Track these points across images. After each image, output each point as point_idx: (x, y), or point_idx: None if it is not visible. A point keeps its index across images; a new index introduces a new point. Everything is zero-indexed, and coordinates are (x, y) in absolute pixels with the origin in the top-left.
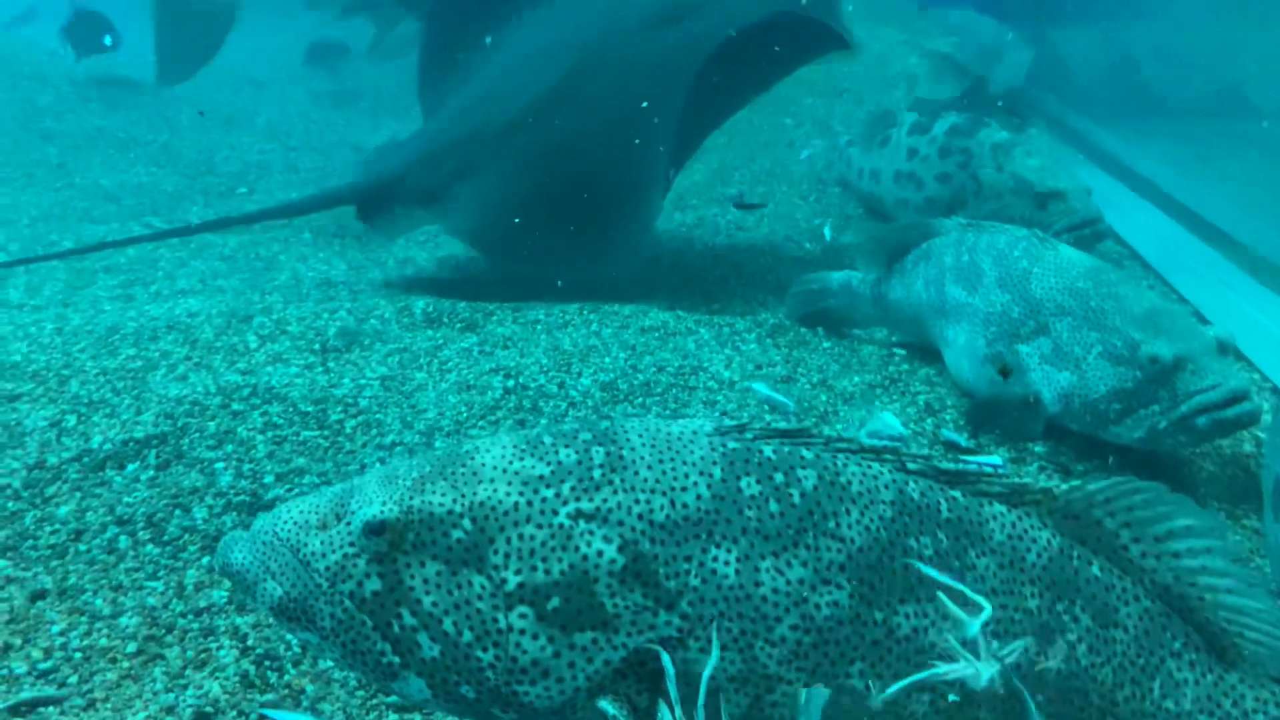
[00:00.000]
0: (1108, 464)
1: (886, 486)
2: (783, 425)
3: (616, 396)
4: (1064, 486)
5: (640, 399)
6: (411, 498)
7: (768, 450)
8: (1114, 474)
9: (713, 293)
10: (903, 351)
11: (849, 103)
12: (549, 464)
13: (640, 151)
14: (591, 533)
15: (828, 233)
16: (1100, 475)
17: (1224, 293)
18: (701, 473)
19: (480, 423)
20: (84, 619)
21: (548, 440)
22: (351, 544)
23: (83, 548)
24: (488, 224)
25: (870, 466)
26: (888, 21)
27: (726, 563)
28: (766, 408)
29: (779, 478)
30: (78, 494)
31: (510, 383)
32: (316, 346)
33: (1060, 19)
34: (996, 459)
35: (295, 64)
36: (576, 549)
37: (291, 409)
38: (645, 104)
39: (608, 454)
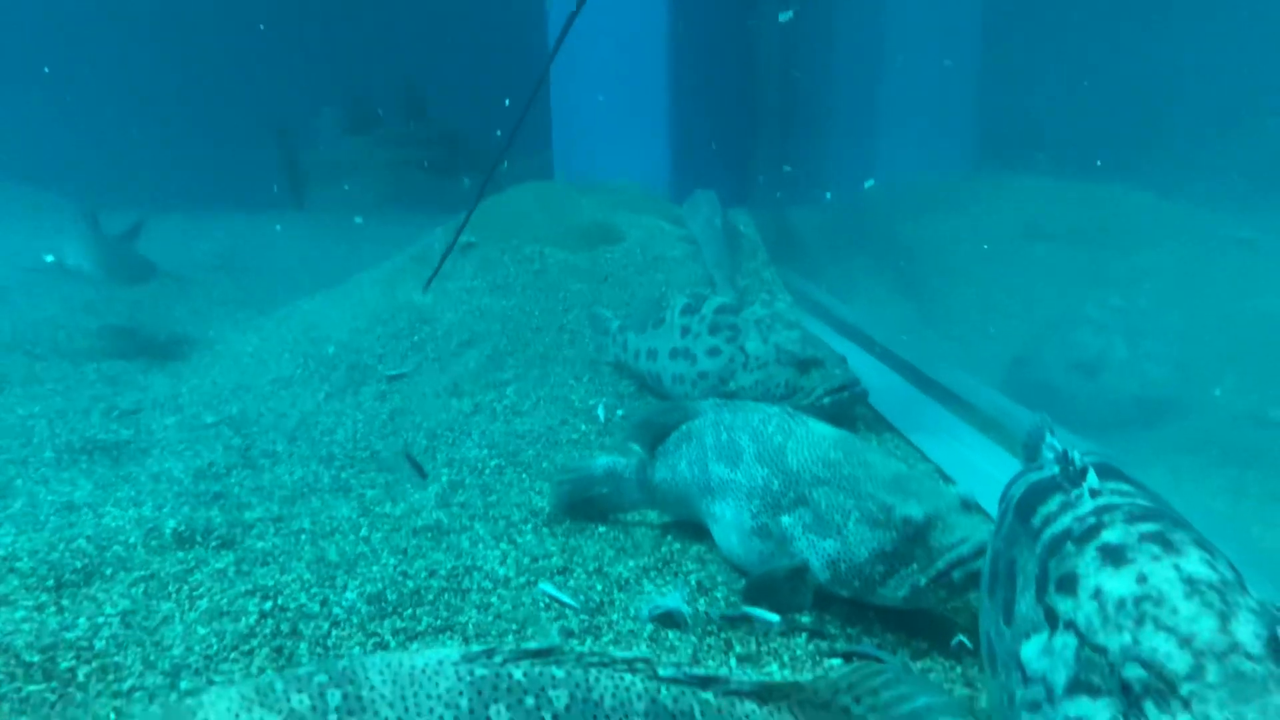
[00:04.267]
0: (872, 628)
1: (639, 697)
2: (534, 645)
3: (385, 610)
4: (809, 678)
5: (410, 609)
6: None
7: (517, 673)
8: (879, 637)
9: (489, 484)
10: (674, 531)
11: (614, 287)
12: (280, 713)
13: None
14: None
15: (601, 413)
16: (845, 647)
17: (956, 448)
18: (448, 705)
19: (233, 654)
20: None
21: (279, 687)
22: None
23: None
24: None
25: (623, 678)
26: (647, 210)
27: None
28: (544, 605)
29: (529, 701)
30: None
31: (268, 605)
32: (50, 583)
33: (798, 200)
34: (775, 616)
35: (50, 268)
36: None
37: (14, 660)
38: None
39: (345, 695)
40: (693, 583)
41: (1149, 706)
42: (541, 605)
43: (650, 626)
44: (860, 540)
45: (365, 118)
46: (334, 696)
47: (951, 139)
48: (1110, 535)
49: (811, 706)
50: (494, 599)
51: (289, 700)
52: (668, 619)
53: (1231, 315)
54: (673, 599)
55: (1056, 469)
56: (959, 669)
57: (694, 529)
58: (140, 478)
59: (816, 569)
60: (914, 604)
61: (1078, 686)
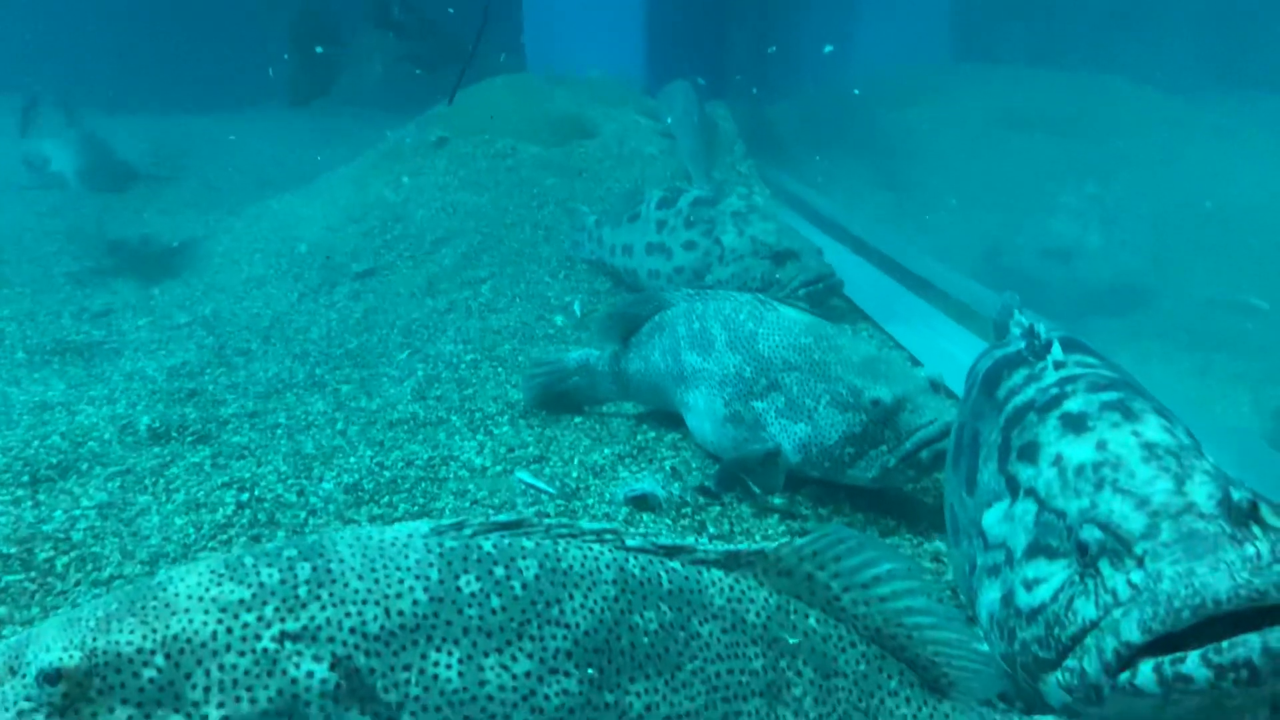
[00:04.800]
0: (842, 508)
1: (607, 566)
2: (504, 518)
3: (361, 498)
4: (774, 545)
5: (387, 497)
6: (95, 639)
7: (487, 545)
8: (850, 517)
9: (465, 379)
10: (649, 421)
11: (588, 181)
12: (249, 586)
13: None
14: (300, 654)
15: (577, 309)
16: (816, 527)
17: (930, 336)
18: (418, 576)
19: (210, 544)
20: None
21: (249, 561)
22: (27, 699)
23: None
24: None
25: (591, 548)
26: (621, 103)
27: (448, 665)
28: (520, 491)
29: (499, 571)
30: None
31: (244, 496)
32: (25, 479)
33: (776, 93)
34: (758, 489)
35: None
36: (284, 673)
37: None
38: None
39: (314, 569)
40: (667, 468)
41: (1104, 565)
42: (518, 491)
43: (625, 509)
44: (830, 423)
45: (385, 11)
46: (303, 570)
47: (929, 27)
48: (1072, 404)
49: (776, 574)
50: (470, 486)
51: (258, 574)
52: (642, 502)
53: (1202, 202)
54: (647, 483)
55: (1023, 344)
56: (926, 545)
57: (669, 418)
58: (113, 377)
59: (788, 452)
60: (883, 484)
61: (1036, 550)
